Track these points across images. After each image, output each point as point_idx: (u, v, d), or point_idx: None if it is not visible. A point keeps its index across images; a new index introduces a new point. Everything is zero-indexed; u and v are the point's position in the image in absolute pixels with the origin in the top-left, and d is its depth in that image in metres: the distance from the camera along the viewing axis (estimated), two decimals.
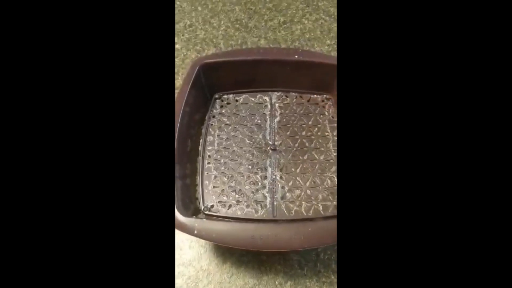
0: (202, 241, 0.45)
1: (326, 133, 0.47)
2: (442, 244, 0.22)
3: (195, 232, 0.34)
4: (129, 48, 0.24)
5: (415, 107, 0.23)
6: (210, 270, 0.43)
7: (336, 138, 0.46)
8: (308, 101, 0.50)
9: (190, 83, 0.44)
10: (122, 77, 0.24)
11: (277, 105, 0.50)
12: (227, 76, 0.49)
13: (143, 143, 0.24)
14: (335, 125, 0.47)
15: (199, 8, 0.67)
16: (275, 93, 0.50)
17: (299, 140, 0.47)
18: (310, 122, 0.48)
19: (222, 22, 0.65)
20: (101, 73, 0.24)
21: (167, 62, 0.25)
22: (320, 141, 0.46)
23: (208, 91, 0.50)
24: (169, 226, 0.25)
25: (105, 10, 0.24)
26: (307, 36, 0.63)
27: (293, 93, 0.50)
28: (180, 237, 0.45)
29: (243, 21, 0.65)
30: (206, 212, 0.42)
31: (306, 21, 0.65)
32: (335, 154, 0.45)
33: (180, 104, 0.42)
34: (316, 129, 0.47)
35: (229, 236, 0.33)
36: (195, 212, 0.41)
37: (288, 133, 0.47)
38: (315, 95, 0.50)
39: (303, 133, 0.47)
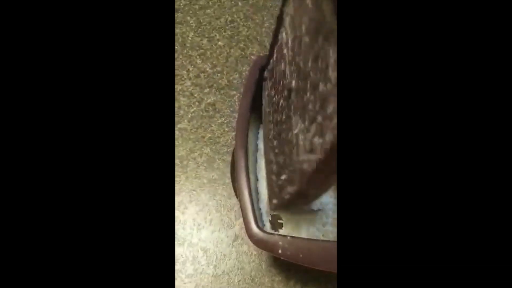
0: (263, 254, 0.42)
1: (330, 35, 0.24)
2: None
3: (280, 251, 0.31)
4: (127, 49, 0.22)
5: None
6: None
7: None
8: None
9: (254, 85, 0.41)
10: (119, 80, 0.22)
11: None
12: None
13: (140, 151, 0.22)
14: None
15: (240, 4, 0.64)
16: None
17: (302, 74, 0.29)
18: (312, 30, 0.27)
19: (265, 18, 0.62)
20: (99, 75, 0.22)
21: (166, 66, 0.23)
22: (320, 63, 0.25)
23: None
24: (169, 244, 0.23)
25: (104, 10, 0.22)
26: None
27: None
28: (240, 249, 0.42)
29: None
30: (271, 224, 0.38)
31: None
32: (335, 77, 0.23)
33: (247, 109, 0.39)
34: (321, 37, 0.25)
35: (319, 257, 0.30)
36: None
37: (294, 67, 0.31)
38: None
39: (309, 64, 0.27)
